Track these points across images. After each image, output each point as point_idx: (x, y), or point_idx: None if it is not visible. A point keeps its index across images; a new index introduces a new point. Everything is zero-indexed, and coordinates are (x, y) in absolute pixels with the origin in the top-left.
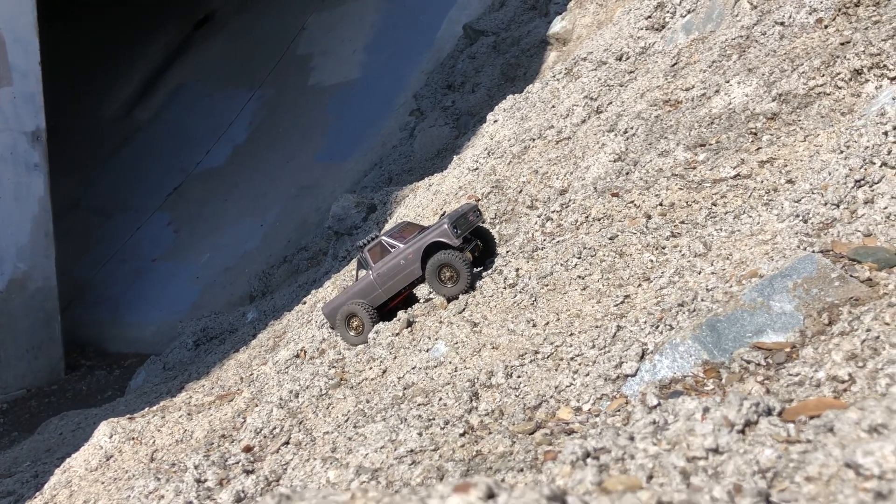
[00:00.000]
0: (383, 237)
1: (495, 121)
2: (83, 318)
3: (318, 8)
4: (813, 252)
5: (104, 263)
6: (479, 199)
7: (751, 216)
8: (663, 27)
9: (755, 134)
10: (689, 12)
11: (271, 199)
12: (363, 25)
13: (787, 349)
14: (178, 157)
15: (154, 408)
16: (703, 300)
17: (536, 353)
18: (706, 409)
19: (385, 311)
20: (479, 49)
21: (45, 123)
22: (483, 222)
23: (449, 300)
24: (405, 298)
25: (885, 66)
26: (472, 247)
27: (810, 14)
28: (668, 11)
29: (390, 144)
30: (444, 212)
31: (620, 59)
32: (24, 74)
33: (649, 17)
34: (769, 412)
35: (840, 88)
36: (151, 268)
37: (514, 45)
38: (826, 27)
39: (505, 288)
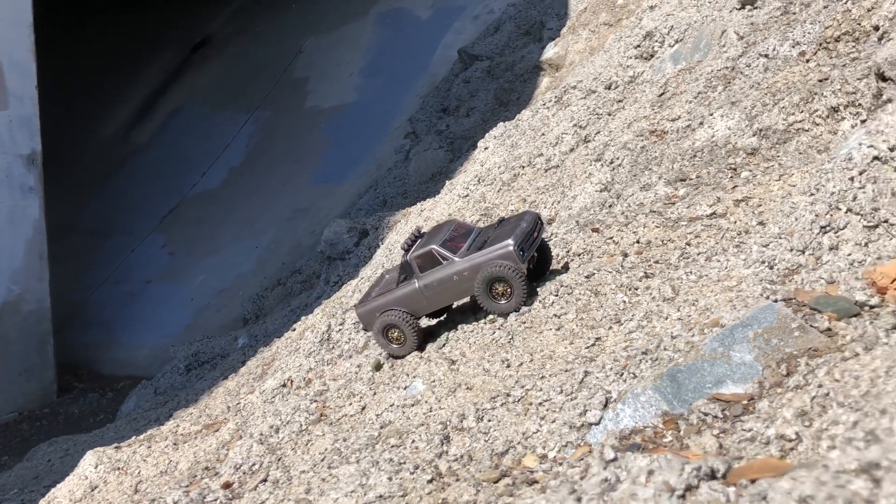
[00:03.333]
0: (434, 247)
1: (486, 148)
2: (77, 341)
3: (315, 32)
4: (775, 301)
5: (99, 285)
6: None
7: (719, 260)
8: (652, 56)
9: (734, 169)
10: (677, 42)
11: (266, 222)
12: (359, 49)
13: (745, 401)
14: (174, 179)
15: (141, 437)
16: (665, 349)
17: (508, 395)
18: (650, 472)
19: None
20: (474, 73)
21: (40, 147)
22: (545, 234)
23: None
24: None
25: (859, 104)
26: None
27: (794, 47)
28: (656, 41)
29: (385, 167)
30: (503, 218)
31: (609, 88)
32: (20, 98)
33: (638, 46)
34: (712, 475)
35: (818, 125)
36: (146, 290)
37: (509, 70)
38: (808, 61)
39: (486, 323)
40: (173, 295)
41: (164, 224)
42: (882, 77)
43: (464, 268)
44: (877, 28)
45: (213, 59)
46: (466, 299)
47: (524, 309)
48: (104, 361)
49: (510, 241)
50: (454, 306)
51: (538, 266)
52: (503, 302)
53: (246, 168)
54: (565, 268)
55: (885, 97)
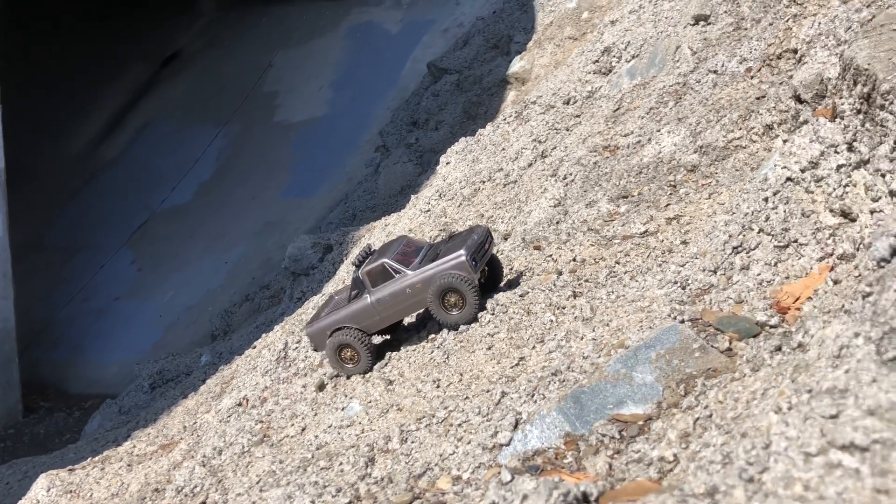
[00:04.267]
0: (386, 261)
1: (448, 163)
2: (44, 359)
3: (285, 46)
4: (682, 321)
5: (66, 303)
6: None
7: (638, 280)
8: (610, 71)
9: (674, 186)
10: (633, 57)
11: (236, 236)
12: (329, 63)
13: (642, 422)
14: (143, 194)
15: (97, 458)
16: (572, 370)
17: (433, 416)
18: (524, 497)
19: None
20: (443, 87)
21: (3, 162)
22: (495, 248)
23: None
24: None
25: (791, 123)
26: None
27: (741, 63)
28: (614, 56)
29: (356, 181)
30: (451, 233)
31: (568, 103)
32: None
33: (597, 61)
34: (584, 499)
35: (754, 142)
36: (114, 307)
37: (477, 84)
38: (752, 77)
39: (426, 343)
40: (142, 312)
41: (133, 240)
42: (798, 99)
43: (416, 280)
44: (795, 51)
45: (182, 73)
46: (418, 313)
47: (462, 327)
48: (71, 380)
49: (462, 252)
50: (405, 322)
51: (489, 280)
52: (455, 312)
53: (216, 182)
54: (506, 286)
55: (801, 119)
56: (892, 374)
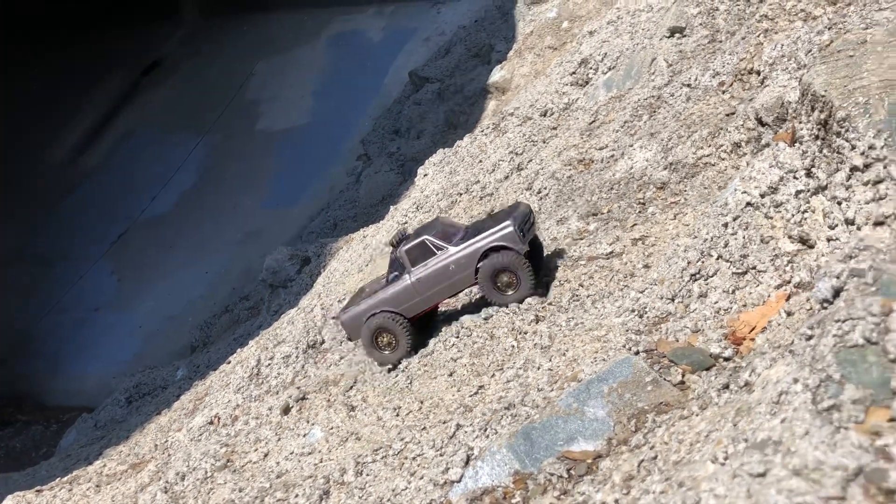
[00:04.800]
0: (427, 237)
1: (426, 174)
2: (21, 371)
3: (267, 54)
4: (637, 352)
5: (45, 314)
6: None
7: (597, 307)
8: (587, 83)
9: (643, 204)
10: (610, 69)
11: (217, 246)
12: (311, 71)
13: (591, 459)
14: (123, 204)
15: (65, 478)
16: (525, 404)
17: (389, 447)
18: None
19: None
20: (425, 96)
21: None
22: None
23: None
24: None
25: (755, 143)
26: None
27: (714, 77)
28: (591, 68)
29: (337, 189)
30: (493, 211)
31: (545, 115)
32: None
33: (574, 72)
34: None
35: (723, 160)
36: (94, 318)
37: (458, 93)
38: (724, 92)
39: (391, 368)
40: (122, 323)
41: (114, 250)
42: (760, 122)
43: (461, 255)
44: (758, 73)
45: (164, 82)
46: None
47: (427, 350)
48: (49, 392)
49: (509, 223)
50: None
51: (531, 261)
52: (511, 293)
53: (197, 192)
54: (473, 307)
55: (763, 141)
56: (824, 427)
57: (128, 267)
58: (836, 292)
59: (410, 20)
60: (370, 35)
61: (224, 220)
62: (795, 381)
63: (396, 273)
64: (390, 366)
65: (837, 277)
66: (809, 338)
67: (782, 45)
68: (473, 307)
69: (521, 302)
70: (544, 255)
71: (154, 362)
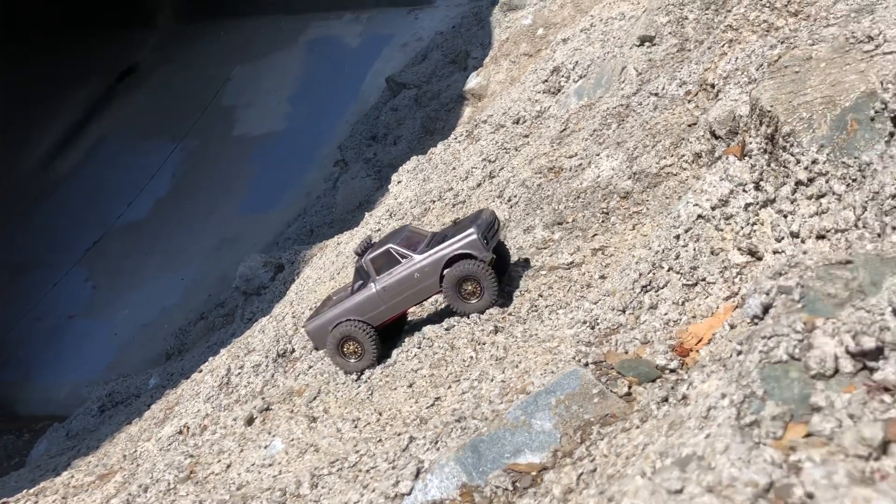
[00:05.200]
0: (392, 245)
1: (399, 181)
2: None
3: (243, 60)
4: (585, 364)
5: (18, 322)
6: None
7: (552, 318)
8: (559, 91)
9: (606, 213)
10: (581, 77)
11: (193, 253)
12: (288, 77)
13: (536, 472)
14: (98, 210)
15: (31, 490)
16: (474, 417)
17: (345, 460)
18: None
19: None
20: (402, 101)
21: None
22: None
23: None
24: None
25: (712, 153)
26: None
27: (680, 86)
28: (563, 75)
29: (314, 195)
30: (457, 219)
31: (518, 123)
32: None
33: (546, 80)
34: None
35: (684, 170)
36: (68, 326)
37: (435, 99)
38: (689, 101)
39: (354, 378)
40: (96, 330)
41: (88, 257)
42: (714, 135)
43: (424, 263)
44: (713, 86)
45: (139, 87)
46: (425, 304)
47: (390, 360)
48: (21, 401)
49: (472, 230)
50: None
51: (497, 266)
52: (474, 301)
53: (172, 198)
54: (436, 316)
55: (717, 154)
56: (743, 443)
57: (103, 274)
58: (766, 308)
59: (387, 26)
60: (347, 41)
61: (200, 227)
62: (723, 396)
63: (362, 282)
64: (356, 374)
65: (767, 294)
66: (739, 353)
67: (737, 58)
68: (437, 317)
69: (482, 312)
70: (511, 262)
71: (129, 370)
